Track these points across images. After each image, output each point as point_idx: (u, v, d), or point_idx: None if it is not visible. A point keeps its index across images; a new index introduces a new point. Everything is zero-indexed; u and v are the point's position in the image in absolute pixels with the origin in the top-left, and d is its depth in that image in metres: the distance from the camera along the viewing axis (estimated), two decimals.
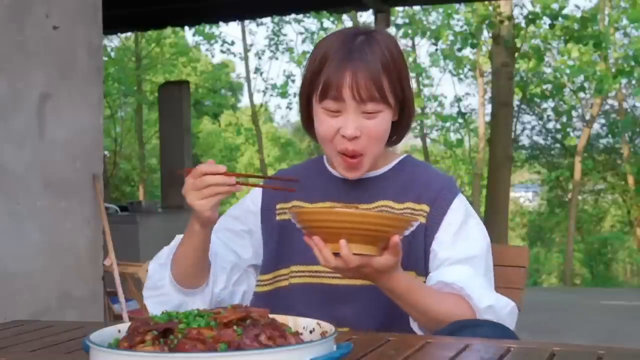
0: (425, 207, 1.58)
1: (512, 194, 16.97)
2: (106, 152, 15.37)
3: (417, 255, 1.57)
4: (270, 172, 20.36)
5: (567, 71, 16.21)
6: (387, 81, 1.52)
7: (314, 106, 1.57)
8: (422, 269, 1.56)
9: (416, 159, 1.73)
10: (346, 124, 1.52)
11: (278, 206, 1.67)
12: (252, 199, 1.72)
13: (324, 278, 1.57)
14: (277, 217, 1.66)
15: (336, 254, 1.32)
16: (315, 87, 1.54)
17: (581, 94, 17.49)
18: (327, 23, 16.97)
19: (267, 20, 17.02)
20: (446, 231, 1.57)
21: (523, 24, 12.66)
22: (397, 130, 1.64)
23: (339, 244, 1.29)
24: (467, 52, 16.46)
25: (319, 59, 1.54)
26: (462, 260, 1.53)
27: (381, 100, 1.52)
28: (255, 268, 1.70)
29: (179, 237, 1.62)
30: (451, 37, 15.02)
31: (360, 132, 1.52)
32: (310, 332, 1.15)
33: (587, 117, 17.64)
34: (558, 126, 18.25)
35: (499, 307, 1.47)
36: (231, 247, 1.67)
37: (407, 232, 1.35)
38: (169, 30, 16.23)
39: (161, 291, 1.60)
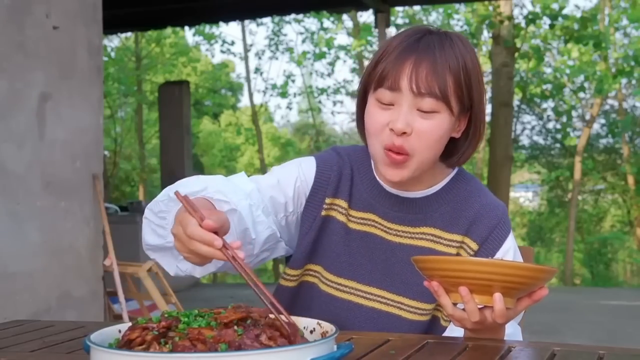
0: (474, 245, 1.46)
1: (512, 194, 16.96)
2: (106, 152, 15.37)
3: None
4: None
5: (567, 71, 16.21)
6: (452, 83, 1.37)
7: (368, 98, 1.43)
8: None
9: (467, 173, 1.55)
10: (397, 117, 1.37)
11: (327, 200, 1.52)
12: (305, 178, 1.52)
13: (346, 294, 1.50)
14: (323, 212, 1.51)
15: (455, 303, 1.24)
16: (372, 78, 1.41)
17: (581, 94, 17.48)
18: (327, 23, 16.99)
19: (267, 20, 17.03)
20: None
21: (523, 24, 12.65)
22: (459, 149, 1.47)
23: (489, 297, 1.20)
24: None
25: (381, 51, 1.42)
26: None
27: (442, 98, 1.36)
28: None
29: (216, 178, 1.43)
30: None
31: (412, 129, 1.37)
32: (311, 332, 1.15)
33: (587, 117, 17.62)
34: (558, 126, 18.24)
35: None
36: (270, 219, 1.46)
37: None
38: (169, 30, 16.23)
39: (163, 232, 1.44)
